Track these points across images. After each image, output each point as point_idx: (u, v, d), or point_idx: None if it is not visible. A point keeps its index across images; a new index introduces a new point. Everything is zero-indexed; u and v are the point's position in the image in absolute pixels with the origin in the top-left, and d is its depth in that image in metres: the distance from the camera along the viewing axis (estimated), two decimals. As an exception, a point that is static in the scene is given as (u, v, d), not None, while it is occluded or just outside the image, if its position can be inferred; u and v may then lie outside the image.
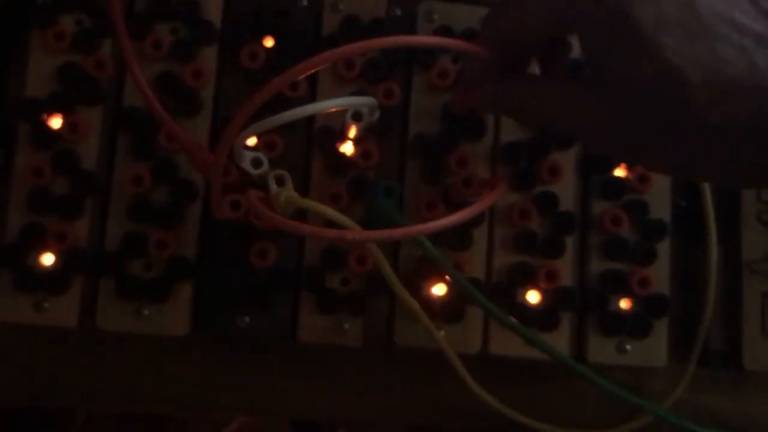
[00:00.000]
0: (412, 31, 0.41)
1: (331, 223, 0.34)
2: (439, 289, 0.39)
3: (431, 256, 0.32)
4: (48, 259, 0.38)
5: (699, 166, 0.28)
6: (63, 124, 0.38)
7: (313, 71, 0.30)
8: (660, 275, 0.41)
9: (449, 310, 0.39)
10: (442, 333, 0.38)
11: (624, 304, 0.40)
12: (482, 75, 0.33)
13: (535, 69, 0.35)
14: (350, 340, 0.39)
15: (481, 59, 0.32)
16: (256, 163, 0.36)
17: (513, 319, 0.35)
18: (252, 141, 0.38)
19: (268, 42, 0.40)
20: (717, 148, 0.26)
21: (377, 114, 0.37)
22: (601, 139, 0.30)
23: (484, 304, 0.33)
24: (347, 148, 0.39)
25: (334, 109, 0.33)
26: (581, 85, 0.30)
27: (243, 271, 0.38)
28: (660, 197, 0.41)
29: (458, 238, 0.39)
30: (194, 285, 0.38)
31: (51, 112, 0.38)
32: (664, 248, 0.41)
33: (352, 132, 0.38)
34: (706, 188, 0.42)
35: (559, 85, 0.31)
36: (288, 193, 0.34)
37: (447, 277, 0.38)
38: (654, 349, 0.40)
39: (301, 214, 0.38)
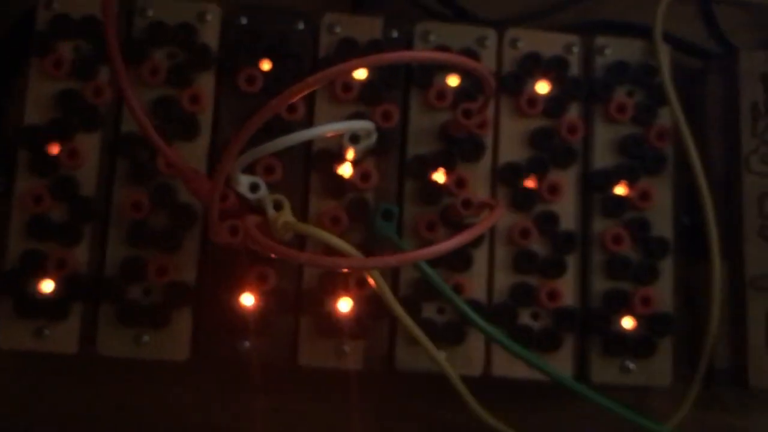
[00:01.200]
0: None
1: (330, 248, 0.34)
2: (440, 311, 0.39)
3: (430, 281, 0.32)
4: (48, 285, 0.38)
5: None
6: (61, 150, 0.38)
7: (307, 92, 0.29)
8: (663, 294, 0.40)
9: (451, 332, 0.38)
10: (444, 355, 0.38)
11: (627, 323, 0.40)
12: None
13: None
14: (351, 363, 0.39)
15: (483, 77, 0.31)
16: (254, 187, 0.35)
17: (513, 343, 0.34)
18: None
19: (265, 65, 0.40)
20: None
21: (375, 137, 0.37)
22: None
23: (484, 328, 0.33)
24: (345, 170, 0.39)
25: (331, 134, 0.33)
26: None
27: (242, 296, 0.38)
28: (662, 215, 0.41)
29: (458, 258, 0.39)
30: (194, 310, 0.38)
31: (50, 138, 0.39)
32: (666, 266, 0.40)
33: (350, 154, 0.38)
34: (709, 204, 0.41)
35: None
36: (286, 218, 0.33)
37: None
38: (659, 369, 0.40)
39: (301, 239, 0.38)
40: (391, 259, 0.30)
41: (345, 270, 0.37)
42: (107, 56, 0.34)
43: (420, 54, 0.30)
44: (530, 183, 0.40)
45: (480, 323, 0.33)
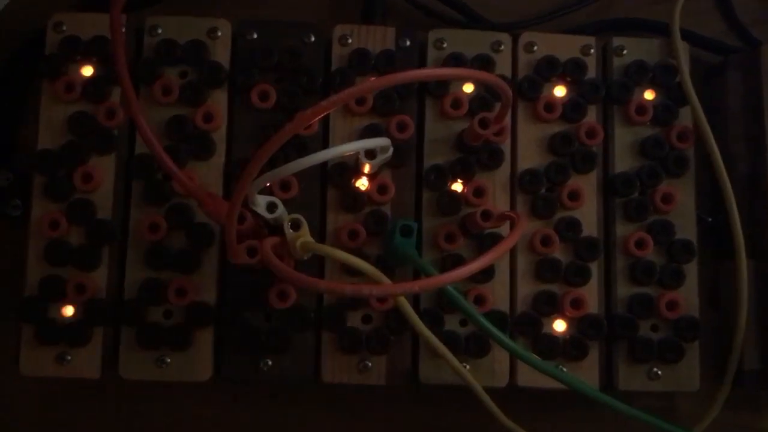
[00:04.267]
0: (423, 60, 0.41)
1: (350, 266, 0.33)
2: (462, 323, 0.38)
3: (454, 303, 0.32)
4: (68, 310, 0.38)
5: None
6: (76, 174, 0.38)
7: (322, 116, 0.29)
8: (689, 297, 0.40)
9: (475, 344, 0.38)
10: (468, 368, 0.37)
11: (653, 329, 0.39)
12: None
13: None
14: (374, 378, 0.38)
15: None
16: (271, 207, 0.35)
17: (537, 357, 0.34)
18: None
19: (278, 80, 0.39)
20: None
21: (391, 151, 0.36)
22: None
23: (511, 348, 0.32)
24: (362, 184, 0.39)
25: (349, 154, 0.33)
26: None
27: (263, 314, 0.38)
28: (685, 217, 0.40)
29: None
30: (215, 330, 0.38)
31: (64, 163, 0.38)
32: (691, 269, 0.40)
33: (367, 168, 0.38)
34: (732, 202, 0.40)
35: None
36: (304, 239, 0.33)
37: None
38: (686, 374, 0.39)
39: (320, 256, 0.38)
40: (415, 285, 0.29)
41: (366, 296, 0.36)
42: (118, 81, 0.33)
43: (434, 72, 0.30)
44: (551, 190, 0.40)
45: (510, 344, 0.32)
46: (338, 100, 0.28)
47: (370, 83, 0.28)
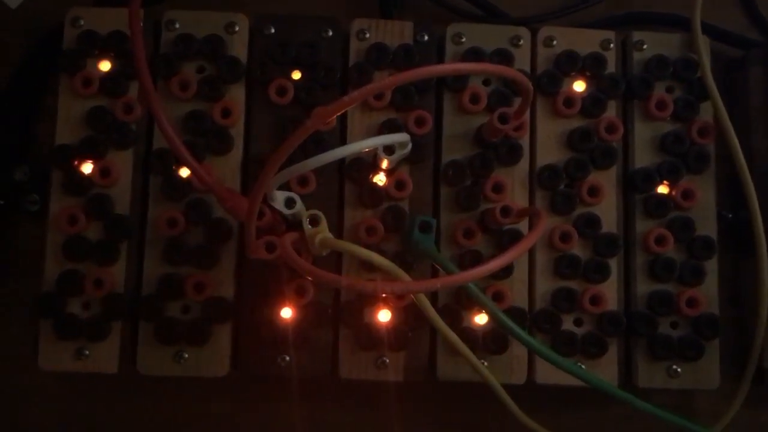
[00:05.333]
0: (441, 55, 0.40)
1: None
2: (481, 320, 0.38)
3: (475, 299, 0.31)
4: (86, 306, 0.38)
5: None
6: (94, 169, 0.38)
7: (342, 111, 0.29)
8: (709, 294, 0.39)
9: (492, 341, 0.38)
10: (486, 365, 0.37)
11: (673, 326, 0.39)
12: None
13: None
14: (392, 374, 0.38)
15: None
16: (290, 203, 0.35)
17: (557, 355, 0.33)
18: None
19: (296, 75, 0.39)
20: None
21: (409, 147, 0.36)
22: None
23: (532, 344, 0.32)
24: (380, 179, 0.39)
25: (367, 150, 0.33)
26: None
27: (281, 310, 0.38)
28: (705, 213, 0.40)
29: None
30: (233, 325, 0.38)
31: (82, 157, 0.38)
32: (712, 266, 0.39)
33: (384, 164, 0.38)
34: (754, 198, 0.40)
35: None
36: (323, 235, 0.33)
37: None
38: (706, 372, 0.39)
39: (338, 252, 0.38)
40: (437, 283, 0.29)
41: (387, 294, 0.36)
42: (136, 75, 0.33)
43: (455, 66, 0.29)
44: (570, 186, 0.39)
45: (529, 340, 0.32)
46: (359, 96, 0.27)
47: (391, 79, 0.28)
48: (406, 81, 0.28)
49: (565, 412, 0.41)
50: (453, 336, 0.34)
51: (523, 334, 0.31)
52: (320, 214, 0.34)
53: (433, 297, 0.39)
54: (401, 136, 0.34)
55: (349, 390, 0.40)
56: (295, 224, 0.35)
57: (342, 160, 0.39)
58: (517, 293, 0.39)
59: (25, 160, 0.41)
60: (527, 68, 0.40)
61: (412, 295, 0.36)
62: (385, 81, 0.28)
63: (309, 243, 0.34)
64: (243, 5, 0.41)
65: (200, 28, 0.39)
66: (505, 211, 0.36)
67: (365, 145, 0.32)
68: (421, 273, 0.38)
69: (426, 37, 0.40)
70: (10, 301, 0.42)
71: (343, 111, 0.28)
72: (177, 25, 0.39)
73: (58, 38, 0.40)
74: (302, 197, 0.36)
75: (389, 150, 0.36)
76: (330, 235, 0.33)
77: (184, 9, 0.40)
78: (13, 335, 0.41)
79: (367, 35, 0.40)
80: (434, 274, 0.39)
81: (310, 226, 0.34)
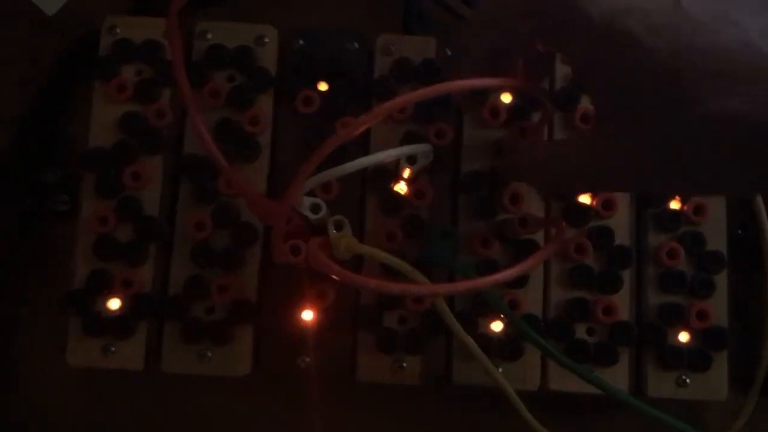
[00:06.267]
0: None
1: (388, 268, 0.34)
2: (496, 326, 0.39)
3: (493, 304, 0.33)
4: (114, 304, 0.39)
5: (708, 173, 0.26)
6: (126, 172, 0.39)
7: (373, 123, 0.30)
8: (718, 308, 0.40)
9: (507, 348, 0.39)
10: (500, 370, 0.38)
11: (683, 337, 0.40)
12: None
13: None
14: (408, 378, 0.39)
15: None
16: (316, 208, 0.36)
17: (571, 361, 0.34)
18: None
19: (322, 86, 0.41)
20: (723, 147, 0.25)
21: (431, 157, 0.37)
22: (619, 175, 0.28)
23: (547, 349, 0.33)
24: (401, 188, 0.40)
25: (392, 159, 0.34)
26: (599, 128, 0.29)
27: (302, 312, 0.39)
28: (716, 228, 0.41)
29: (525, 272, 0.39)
30: (255, 326, 0.39)
31: (114, 161, 0.40)
32: (721, 280, 0.41)
33: (406, 173, 0.39)
34: (762, 214, 0.41)
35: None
36: (348, 240, 0.34)
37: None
38: (715, 383, 0.40)
39: (358, 256, 0.39)
40: (460, 286, 0.30)
41: (413, 296, 0.37)
42: (173, 79, 0.34)
43: (476, 82, 0.30)
44: (585, 199, 0.40)
45: (543, 344, 0.33)
46: (390, 107, 0.29)
47: (418, 93, 0.29)
48: (435, 94, 0.30)
49: (576, 420, 0.42)
50: (469, 340, 0.35)
51: (541, 340, 0.33)
52: (344, 219, 0.35)
53: (450, 304, 0.40)
54: (425, 146, 0.35)
55: (366, 393, 0.41)
56: (317, 229, 0.37)
57: (364, 169, 0.40)
58: (531, 301, 0.40)
59: (56, 162, 0.43)
60: (545, 84, 0.42)
61: (430, 301, 0.37)
62: (413, 93, 0.29)
63: (333, 247, 0.35)
64: (271, 18, 0.42)
65: (231, 39, 0.41)
66: (524, 221, 0.38)
67: (392, 153, 0.34)
68: (438, 280, 0.39)
69: (449, 52, 0.41)
70: (37, 298, 0.43)
71: (373, 123, 0.30)
72: (209, 36, 0.41)
73: (91, 45, 0.42)
74: (325, 203, 0.37)
75: (412, 159, 0.37)
76: (355, 240, 0.34)
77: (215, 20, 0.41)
78: (39, 331, 0.42)
79: (392, 49, 0.41)
80: (451, 282, 0.40)
81: (334, 231, 0.35)
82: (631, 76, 0.26)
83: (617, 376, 0.40)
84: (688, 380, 0.40)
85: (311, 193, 0.38)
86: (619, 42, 0.26)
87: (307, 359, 0.39)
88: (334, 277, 0.31)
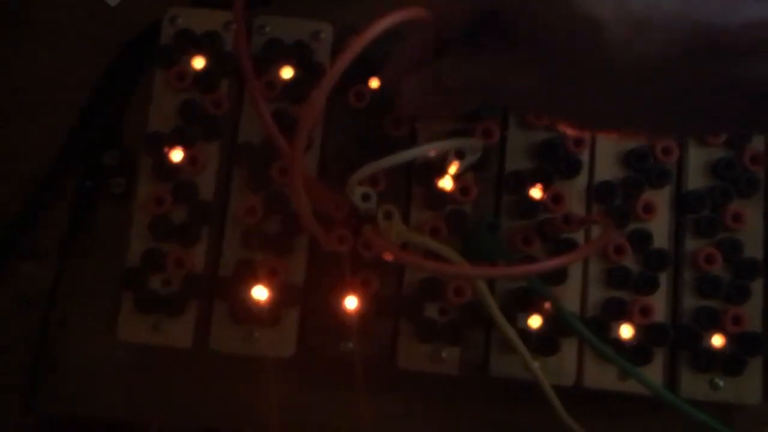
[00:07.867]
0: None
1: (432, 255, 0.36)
2: (534, 321, 0.40)
3: (536, 290, 0.34)
4: (167, 283, 0.40)
5: (625, 114, 0.29)
6: (183, 157, 0.41)
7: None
8: (753, 313, 0.41)
9: (545, 343, 0.40)
10: (537, 364, 0.39)
11: (717, 341, 0.41)
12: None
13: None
14: (447, 368, 0.40)
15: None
16: (365, 198, 0.38)
17: (617, 356, 0.35)
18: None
19: (373, 83, 0.42)
20: (639, 88, 0.27)
21: (480, 153, 0.39)
22: (531, 99, 0.31)
23: (588, 337, 0.34)
24: (446, 184, 0.41)
25: (446, 149, 0.35)
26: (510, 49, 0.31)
27: (346, 299, 0.40)
28: (754, 236, 0.42)
29: (554, 271, 0.40)
30: (301, 310, 0.41)
31: (172, 145, 0.41)
32: (757, 287, 0.41)
33: (453, 168, 0.40)
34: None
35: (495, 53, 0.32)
36: (399, 227, 0.36)
37: (545, 309, 0.39)
38: (748, 387, 0.41)
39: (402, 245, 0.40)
40: (516, 270, 0.31)
41: (464, 277, 0.39)
42: (237, 69, 0.36)
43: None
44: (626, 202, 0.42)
45: (586, 332, 0.34)
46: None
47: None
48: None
49: (609, 417, 0.43)
50: (509, 329, 0.36)
51: (583, 327, 0.34)
52: (394, 208, 0.37)
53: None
54: (475, 141, 0.36)
55: (405, 381, 0.42)
56: (364, 218, 0.38)
57: (411, 164, 0.42)
58: (570, 300, 0.41)
59: (114, 145, 0.45)
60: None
61: (472, 291, 0.38)
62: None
63: (384, 235, 0.36)
64: (326, 14, 0.44)
65: (288, 34, 0.42)
66: (567, 219, 0.39)
67: (442, 145, 0.35)
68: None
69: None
70: (86, 276, 0.44)
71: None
72: (267, 30, 0.43)
73: (151, 35, 0.44)
74: (372, 196, 0.39)
75: (460, 154, 0.39)
76: (405, 227, 0.36)
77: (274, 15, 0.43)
78: (89, 307, 0.44)
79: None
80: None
81: (384, 220, 0.36)
82: (550, 18, 0.28)
83: (651, 376, 0.40)
84: (721, 383, 0.40)
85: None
86: None
87: (350, 344, 0.40)
88: (388, 259, 0.32)
